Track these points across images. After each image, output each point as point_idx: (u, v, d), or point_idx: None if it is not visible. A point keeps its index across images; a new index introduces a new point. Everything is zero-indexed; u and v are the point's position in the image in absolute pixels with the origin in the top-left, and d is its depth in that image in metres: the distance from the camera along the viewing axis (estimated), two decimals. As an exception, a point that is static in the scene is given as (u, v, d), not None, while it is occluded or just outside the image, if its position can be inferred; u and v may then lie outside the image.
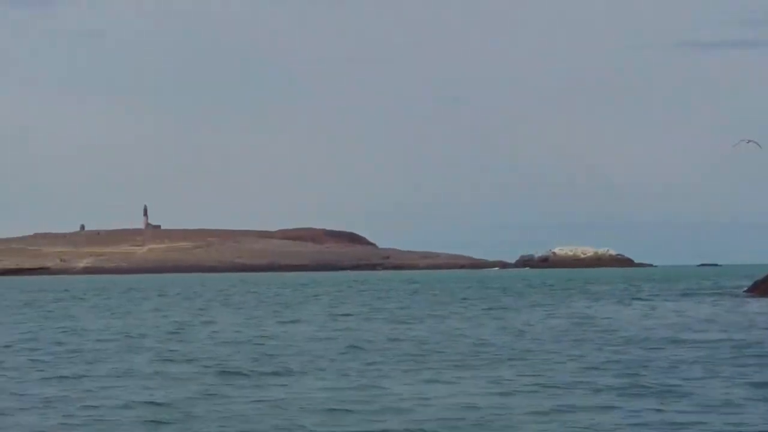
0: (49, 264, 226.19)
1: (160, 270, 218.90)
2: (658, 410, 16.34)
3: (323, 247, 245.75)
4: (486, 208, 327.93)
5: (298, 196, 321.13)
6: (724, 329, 32.25)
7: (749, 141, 50.76)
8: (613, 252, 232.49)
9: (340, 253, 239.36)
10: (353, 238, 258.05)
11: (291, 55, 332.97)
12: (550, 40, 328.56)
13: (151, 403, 17.48)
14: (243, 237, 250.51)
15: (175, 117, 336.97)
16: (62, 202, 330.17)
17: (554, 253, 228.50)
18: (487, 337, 30.37)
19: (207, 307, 51.81)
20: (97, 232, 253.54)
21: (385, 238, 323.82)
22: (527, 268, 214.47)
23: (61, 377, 21.23)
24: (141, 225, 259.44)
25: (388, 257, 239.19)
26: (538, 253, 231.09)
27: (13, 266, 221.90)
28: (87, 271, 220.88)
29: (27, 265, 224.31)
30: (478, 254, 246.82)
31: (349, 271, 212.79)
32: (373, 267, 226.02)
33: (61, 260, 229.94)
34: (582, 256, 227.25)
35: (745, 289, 62.53)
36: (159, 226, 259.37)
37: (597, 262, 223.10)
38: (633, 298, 56.64)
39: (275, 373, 21.48)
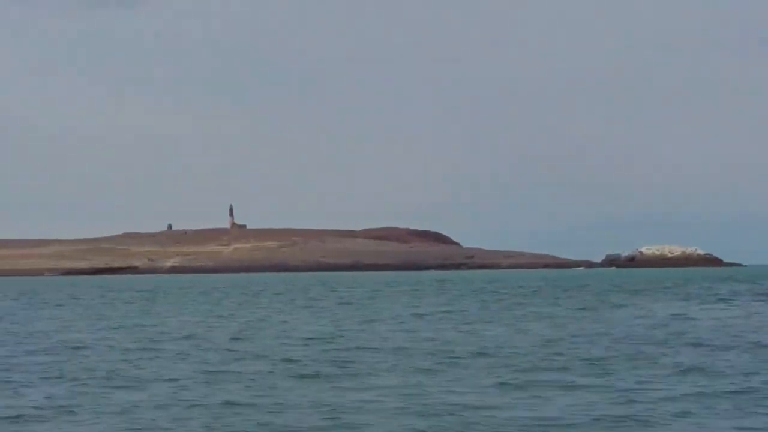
0: (137, 263, 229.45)
1: (245, 269, 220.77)
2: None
3: (407, 247, 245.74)
4: (570, 208, 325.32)
5: (382, 197, 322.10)
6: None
7: None
8: (701, 251, 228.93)
9: (424, 253, 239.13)
10: (438, 238, 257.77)
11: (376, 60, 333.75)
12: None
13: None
14: (327, 236, 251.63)
15: (260, 118, 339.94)
16: (150, 203, 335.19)
17: (641, 252, 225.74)
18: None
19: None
20: (184, 232, 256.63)
21: (469, 237, 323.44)
22: (613, 268, 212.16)
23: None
24: (227, 225, 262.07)
25: (472, 257, 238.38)
26: (625, 252, 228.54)
27: (102, 265, 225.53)
28: (174, 270, 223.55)
29: (116, 264, 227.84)
30: (562, 254, 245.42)
31: (433, 270, 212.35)
32: (457, 266, 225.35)
33: (149, 260, 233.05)
34: (669, 255, 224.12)
35: None
36: (244, 226, 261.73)
37: (684, 261, 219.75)
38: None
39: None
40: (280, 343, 29.36)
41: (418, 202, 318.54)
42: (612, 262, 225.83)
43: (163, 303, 59.72)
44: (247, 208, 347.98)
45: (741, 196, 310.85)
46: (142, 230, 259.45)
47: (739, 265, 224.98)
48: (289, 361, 24.06)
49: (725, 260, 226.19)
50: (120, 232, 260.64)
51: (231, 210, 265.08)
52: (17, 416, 16.33)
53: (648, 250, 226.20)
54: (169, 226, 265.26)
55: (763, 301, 54.16)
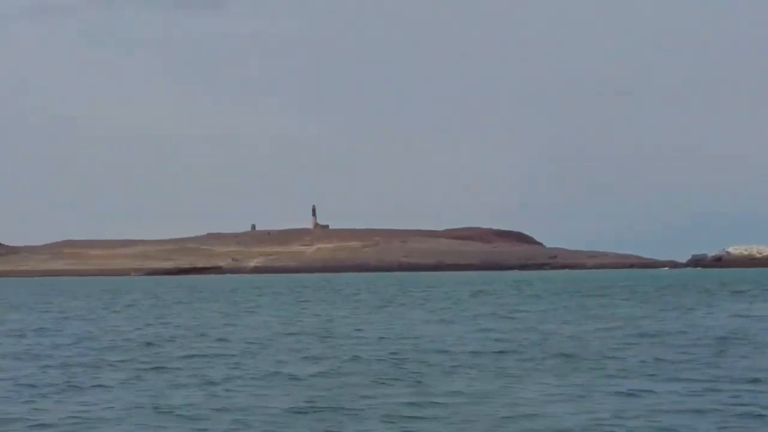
0: (221, 263, 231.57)
1: (327, 269, 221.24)
2: None
3: (490, 247, 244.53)
4: (655, 208, 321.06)
5: (465, 197, 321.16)
6: None
7: None
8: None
9: (506, 253, 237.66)
10: (521, 238, 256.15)
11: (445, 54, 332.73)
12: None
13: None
14: (409, 236, 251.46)
15: (343, 118, 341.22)
16: (234, 204, 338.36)
17: (728, 252, 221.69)
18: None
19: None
20: (267, 232, 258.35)
21: (552, 237, 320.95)
22: (699, 268, 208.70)
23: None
24: (309, 225, 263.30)
25: (555, 257, 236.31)
26: (711, 252, 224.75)
27: (187, 265, 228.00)
28: (257, 270, 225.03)
29: (200, 264, 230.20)
30: (647, 254, 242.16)
31: (516, 270, 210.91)
32: (540, 266, 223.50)
33: (233, 260, 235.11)
34: (758, 255, 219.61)
35: None
36: (327, 226, 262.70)
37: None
38: None
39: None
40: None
41: (501, 202, 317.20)
42: (698, 262, 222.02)
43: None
44: (330, 208, 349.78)
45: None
46: (226, 231, 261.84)
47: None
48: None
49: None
50: (204, 233, 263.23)
51: (314, 210, 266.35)
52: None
53: (735, 250, 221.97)
54: (253, 227, 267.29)
55: None
